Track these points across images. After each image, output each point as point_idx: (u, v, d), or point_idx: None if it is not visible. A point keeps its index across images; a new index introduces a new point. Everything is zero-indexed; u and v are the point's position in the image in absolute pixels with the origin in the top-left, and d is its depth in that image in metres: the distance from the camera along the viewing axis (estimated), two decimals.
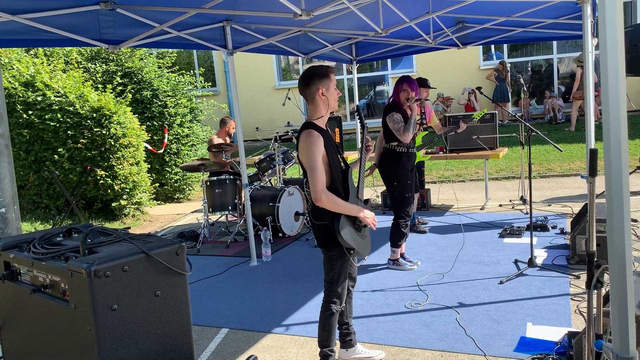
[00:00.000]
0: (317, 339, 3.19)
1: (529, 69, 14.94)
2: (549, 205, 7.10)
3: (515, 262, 5.02)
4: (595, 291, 1.77)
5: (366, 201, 3.19)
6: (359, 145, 3.21)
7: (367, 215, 3.05)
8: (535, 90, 14.63)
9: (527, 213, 6.73)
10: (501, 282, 4.53)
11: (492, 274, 4.77)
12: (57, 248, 2.08)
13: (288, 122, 7.64)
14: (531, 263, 4.78)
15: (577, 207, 6.69)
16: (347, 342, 3.39)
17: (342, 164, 3.14)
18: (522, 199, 7.30)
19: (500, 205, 7.34)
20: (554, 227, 6.01)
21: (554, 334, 3.52)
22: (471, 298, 4.26)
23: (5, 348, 2.29)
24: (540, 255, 5.11)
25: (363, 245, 3.14)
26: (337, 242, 2.99)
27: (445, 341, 3.57)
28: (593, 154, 1.66)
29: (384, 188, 8.03)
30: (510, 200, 7.50)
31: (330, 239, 3.01)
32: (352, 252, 3.07)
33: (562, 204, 7.13)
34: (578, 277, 4.47)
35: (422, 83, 6.02)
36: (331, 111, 3.11)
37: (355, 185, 3.15)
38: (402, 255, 5.15)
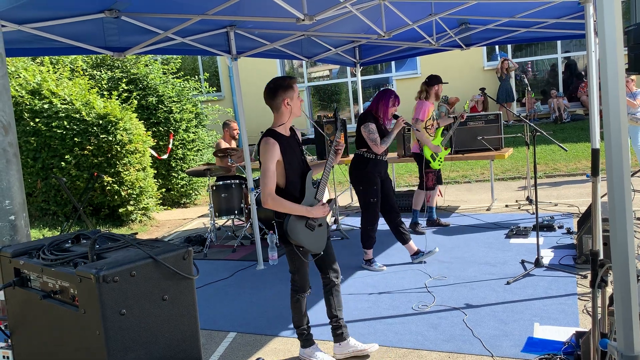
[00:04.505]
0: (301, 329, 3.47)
1: (535, 67, 14.90)
2: (555, 205, 7.08)
3: (522, 262, 5.01)
4: (600, 290, 1.78)
5: (329, 201, 3.29)
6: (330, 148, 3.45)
7: (317, 212, 3.27)
8: (543, 89, 14.60)
9: (533, 213, 6.72)
10: (508, 283, 4.53)
11: (499, 274, 4.77)
12: (66, 254, 2.10)
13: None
14: (538, 263, 4.78)
15: (583, 207, 6.67)
16: (339, 336, 3.51)
17: (304, 166, 3.34)
18: (529, 199, 7.29)
19: (506, 206, 7.33)
20: (560, 227, 6.00)
21: (562, 334, 3.52)
22: (478, 299, 4.26)
23: (16, 353, 2.32)
24: (547, 256, 5.10)
25: (315, 242, 3.33)
26: (292, 240, 3.24)
27: (452, 342, 3.58)
28: (595, 153, 1.67)
29: None
30: (517, 201, 7.49)
31: (286, 237, 3.27)
32: (301, 249, 3.29)
33: (568, 203, 7.11)
34: (585, 276, 4.46)
35: (440, 80, 6.20)
36: (295, 117, 3.33)
37: (316, 186, 3.34)
38: (370, 259, 5.30)
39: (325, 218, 3.42)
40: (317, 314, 4.29)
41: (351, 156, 8.18)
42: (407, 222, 6.31)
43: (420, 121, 6.14)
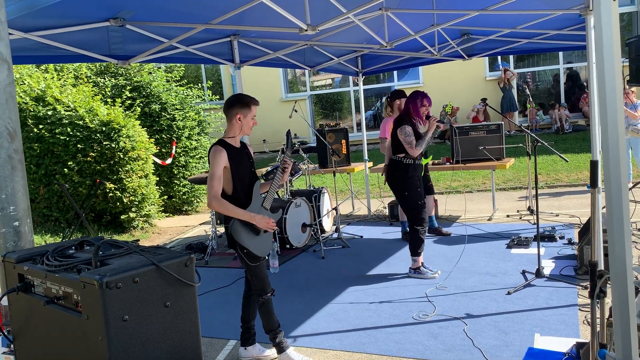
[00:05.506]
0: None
1: (538, 78, 14.94)
2: (557, 216, 7.09)
3: (523, 272, 5.02)
4: (599, 301, 1.79)
5: (274, 209, 3.62)
6: (279, 164, 3.71)
7: (259, 221, 3.43)
8: (546, 103, 14.62)
9: (534, 223, 6.72)
10: (509, 293, 4.53)
11: (500, 284, 4.77)
12: (70, 260, 2.12)
13: (295, 134, 7.70)
14: (539, 274, 4.78)
15: (584, 218, 6.67)
16: (246, 340, 3.74)
17: (252, 177, 3.55)
18: (530, 209, 7.29)
19: (507, 216, 7.34)
20: (561, 238, 6.00)
21: (562, 344, 3.52)
22: (479, 309, 4.27)
23: (18, 358, 2.33)
24: (548, 266, 5.10)
25: (260, 246, 3.51)
26: (237, 242, 3.42)
27: (453, 352, 3.58)
28: (594, 165, 1.70)
29: (391, 199, 8.06)
30: (518, 211, 7.50)
31: (232, 240, 3.43)
32: (244, 251, 3.44)
33: (569, 214, 7.12)
34: (586, 287, 4.46)
35: (403, 94, 6.31)
36: (244, 135, 3.56)
37: (263, 196, 3.57)
38: (422, 264, 5.18)
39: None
40: (319, 323, 4.29)
41: (353, 165, 8.29)
42: (397, 231, 6.35)
43: (385, 139, 6.36)
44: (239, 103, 3.48)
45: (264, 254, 3.56)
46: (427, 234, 6.56)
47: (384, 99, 16.01)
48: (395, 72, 15.48)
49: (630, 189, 6.75)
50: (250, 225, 3.45)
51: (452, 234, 6.64)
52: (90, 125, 7.80)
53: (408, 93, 5.31)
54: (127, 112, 8.60)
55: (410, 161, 5.03)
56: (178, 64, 10.72)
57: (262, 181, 3.70)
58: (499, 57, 14.48)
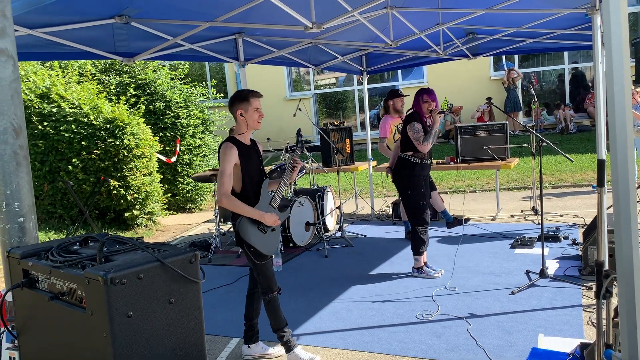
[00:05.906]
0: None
1: (542, 78, 14.89)
2: (561, 216, 7.06)
3: (527, 272, 5.00)
4: (605, 301, 1.78)
5: (281, 208, 3.63)
6: (289, 163, 3.72)
7: (268, 219, 3.45)
8: (551, 103, 14.57)
9: (538, 224, 6.70)
10: (512, 293, 4.52)
11: (504, 284, 4.76)
12: (75, 256, 2.12)
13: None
14: (543, 274, 4.77)
15: (589, 218, 6.65)
16: (249, 338, 3.75)
17: (261, 174, 3.56)
18: (534, 209, 7.27)
19: (511, 216, 7.32)
20: (565, 238, 5.98)
21: (566, 345, 3.51)
22: (482, 309, 4.26)
23: (22, 354, 2.34)
24: (552, 266, 5.08)
25: (267, 244, 3.51)
26: (244, 241, 3.44)
27: (456, 352, 3.57)
28: (601, 164, 1.69)
29: (395, 198, 8.05)
30: (522, 211, 7.48)
31: (239, 238, 3.45)
32: (251, 249, 3.44)
33: (574, 214, 7.09)
34: (590, 288, 4.45)
35: (395, 94, 6.57)
36: (253, 130, 3.55)
37: (272, 194, 3.59)
38: (425, 264, 5.17)
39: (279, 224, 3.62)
40: (322, 321, 4.29)
41: (356, 164, 8.28)
42: (401, 231, 6.31)
43: (384, 139, 6.50)
44: (238, 99, 3.48)
45: (271, 253, 3.55)
46: (449, 230, 6.54)
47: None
48: (399, 72, 15.45)
49: (637, 188, 6.72)
50: (257, 223, 3.45)
51: (470, 219, 6.70)
52: (95, 123, 7.81)
53: (413, 93, 5.32)
54: (131, 109, 8.61)
55: (418, 160, 5.02)
56: (182, 62, 10.73)
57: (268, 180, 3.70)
58: (504, 57, 14.44)
